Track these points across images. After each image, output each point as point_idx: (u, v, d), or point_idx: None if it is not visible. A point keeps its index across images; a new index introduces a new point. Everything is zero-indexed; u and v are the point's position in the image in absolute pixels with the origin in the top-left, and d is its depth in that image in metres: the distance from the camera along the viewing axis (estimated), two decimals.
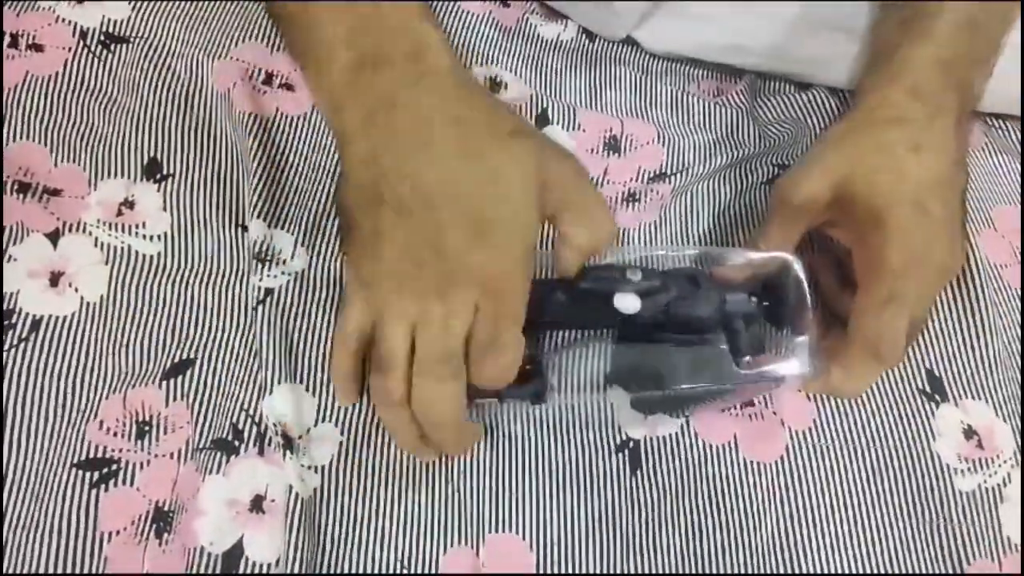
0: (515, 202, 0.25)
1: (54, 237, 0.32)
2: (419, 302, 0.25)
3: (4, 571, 0.27)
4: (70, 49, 0.35)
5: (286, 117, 0.37)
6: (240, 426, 0.30)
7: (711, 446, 0.32)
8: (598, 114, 0.41)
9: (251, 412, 0.30)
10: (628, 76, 0.42)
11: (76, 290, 0.31)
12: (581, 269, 0.28)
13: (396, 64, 0.25)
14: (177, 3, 0.37)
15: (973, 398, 0.34)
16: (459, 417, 0.27)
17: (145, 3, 0.37)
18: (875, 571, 0.30)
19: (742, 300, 0.30)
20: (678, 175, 0.39)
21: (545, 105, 0.40)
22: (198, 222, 0.33)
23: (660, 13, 0.41)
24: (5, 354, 0.29)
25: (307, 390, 0.31)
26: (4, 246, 0.31)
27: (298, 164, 0.36)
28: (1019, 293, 0.37)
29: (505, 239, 0.25)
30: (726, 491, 0.31)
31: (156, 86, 0.36)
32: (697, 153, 0.41)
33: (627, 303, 0.28)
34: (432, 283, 0.25)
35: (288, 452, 0.29)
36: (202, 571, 0.27)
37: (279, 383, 0.30)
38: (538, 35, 0.43)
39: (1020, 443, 0.33)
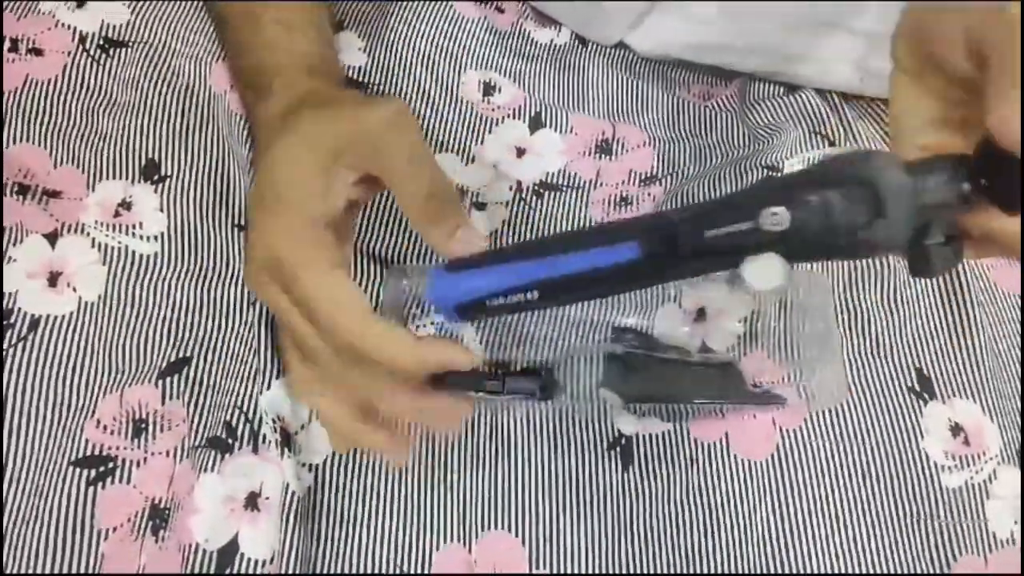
0: (287, 180, 0.26)
1: (52, 238, 0.32)
2: (261, 295, 0.27)
3: (3, 565, 0.27)
4: (69, 53, 0.36)
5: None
6: (234, 424, 0.30)
7: (702, 444, 0.33)
8: (590, 117, 0.41)
9: (245, 410, 0.30)
10: (620, 80, 0.43)
11: (74, 290, 0.31)
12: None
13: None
14: (175, 8, 0.38)
15: (961, 396, 0.34)
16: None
17: (144, 8, 0.38)
18: (865, 567, 0.31)
19: (947, 192, 0.19)
20: (669, 177, 0.40)
21: (538, 109, 0.41)
22: (195, 222, 0.34)
23: (652, 16, 0.42)
24: (4, 352, 0.30)
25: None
26: (3, 247, 0.31)
27: None
28: (1006, 293, 0.38)
29: (284, 218, 0.26)
30: (717, 489, 0.32)
31: (154, 89, 0.36)
32: (688, 155, 0.41)
33: (765, 275, 0.20)
34: (251, 276, 0.27)
35: (286, 449, 0.29)
36: (198, 568, 0.27)
37: (276, 379, 0.31)
38: (532, 40, 0.43)
39: (1020, 443, 0.33)
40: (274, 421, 0.30)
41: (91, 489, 0.28)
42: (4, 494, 0.28)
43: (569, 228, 0.38)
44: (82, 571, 0.27)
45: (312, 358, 0.26)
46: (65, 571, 0.27)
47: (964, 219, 0.20)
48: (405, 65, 0.40)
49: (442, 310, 0.25)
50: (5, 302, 0.31)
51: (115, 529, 0.28)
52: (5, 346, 0.30)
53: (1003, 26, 0.22)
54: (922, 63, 0.24)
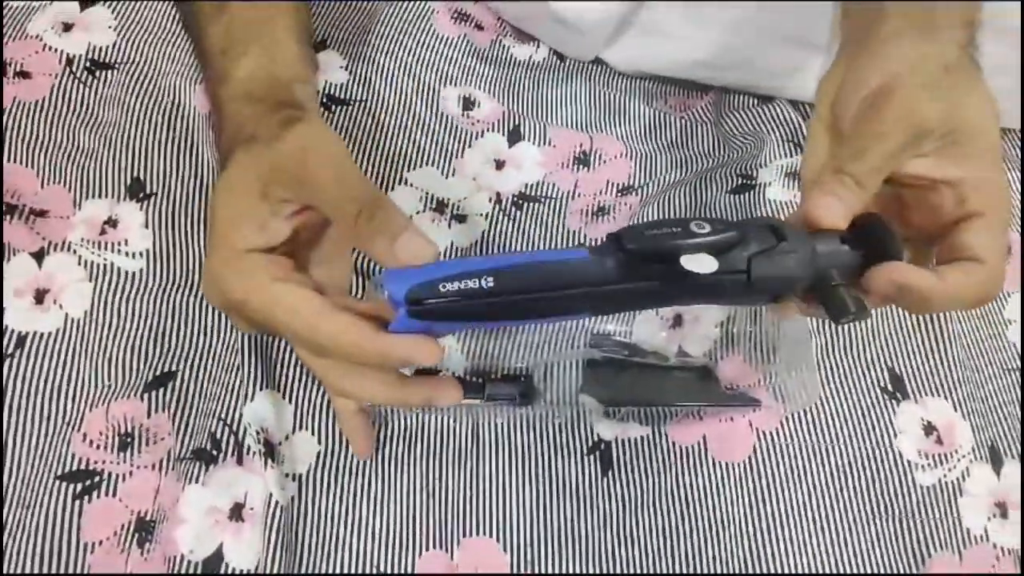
0: (223, 217, 0.26)
1: (39, 256, 0.33)
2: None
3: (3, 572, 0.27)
4: (56, 75, 0.37)
5: None
6: (218, 435, 0.30)
7: (681, 447, 0.33)
8: (568, 130, 0.42)
9: (229, 421, 0.31)
10: (597, 94, 0.44)
11: (60, 307, 0.32)
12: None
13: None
14: (161, 30, 0.39)
15: (933, 395, 0.35)
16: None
17: (130, 30, 0.38)
18: (841, 566, 0.31)
19: (836, 248, 0.25)
20: (646, 187, 0.41)
21: (517, 122, 0.42)
22: (179, 238, 0.35)
23: (626, 34, 0.43)
24: None
25: (284, 398, 0.32)
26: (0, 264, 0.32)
27: None
28: None
29: (215, 241, 0.26)
30: (695, 492, 0.32)
31: (139, 109, 0.37)
32: (664, 165, 0.42)
33: (699, 263, 0.22)
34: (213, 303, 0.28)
35: (270, 460, 0.30)
36: None
37: (260, 389, 0.31)
38: (511, 56, 0.44)
39: (1020, 443, 0.34)
40: (258, 432, 0.30)
41: (77, 503, 0.29)
42: None
43: (548, 238, 0.39)
44: None
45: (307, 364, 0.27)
46: None
47: (869, 281, 0.25)
48: (386, 82, 0.41)
49: (396, 307, 0.23)
50: None
51: (101, 542, 0.29)
52: None
53: (872, 107, 0.25)
54: (833, 121, 0.28)
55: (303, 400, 0.32)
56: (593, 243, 0.39)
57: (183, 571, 0.28)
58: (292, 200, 0.26)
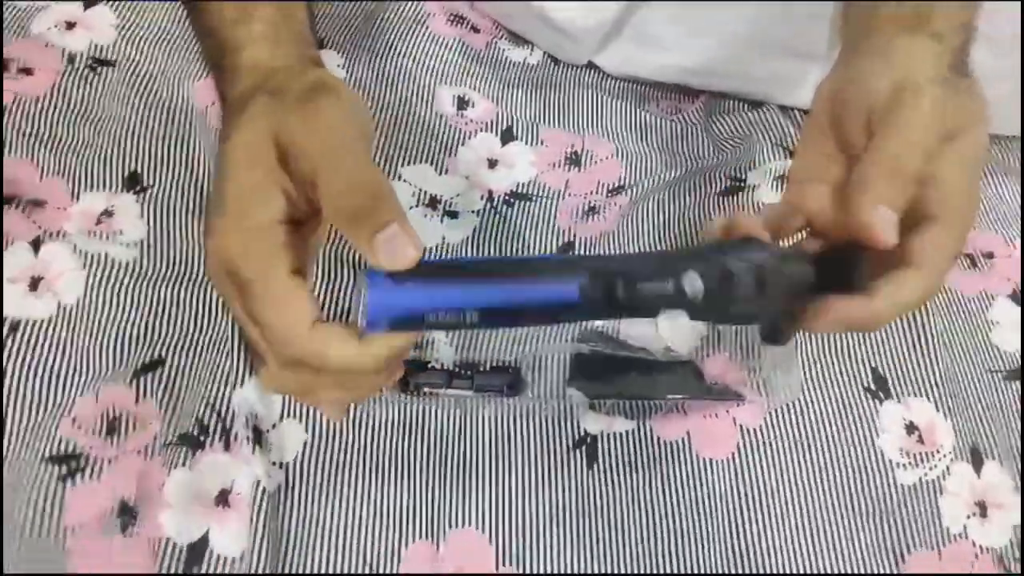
0: (231, 179, 0.24)
1: (36, 245, 0.33)
2: (222, 296, 0.27)
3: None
4: (58, 72, 0.38)
5: None
6: (206, 421, 0.31)
7: (665, 442, 0.34)
8: (560, 131, 0.43)
9: (217, 408, 0.31)
10: (589, 96, 0.45)
11: (54, 294, 0.33)
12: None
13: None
14: (160, 28, 0.40)
15: (915, 395, 0.35)
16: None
17: (130, 28, 0.39)
18: (821, 562, 0.31)
19: (803, 276, 0.25)
20: (636, 187, 0.42)
21: (510, 123, 0.42)
22: (173, 229, 0.35)
23: (618, 40, 0.44)
24: None
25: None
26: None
27: None
28: (962, 296, 0.39)
29: (228, 209, 0.24)
30: (679, 486, 0.32)
31: (139, 105, 0.38)
32: (654, 166, 0.43)
33: (674, 329, 0.26)
34: (211, 279, 0.26)
35: (257, 446, 0.30)
36: (167, 562, 0.28)
37: (249, 376, 0.32)
38: (506, 58, 0.45)
39: (1021, 450, 0.34)
40: (246, 419, 0.31)
41: (61, 485, 0.29)
42: None
43: (538, 236, 0.39)
44: (47, 568, 0.28)
45: (265, 360, 0.25)
46: (30, 567, 0.28)
47: (812, 321, 0.26)
48: (382, 80, 0.42)
49: (374, 322, 0.23)
50: None
51: (82, 526, 0.29)
52: None
53: (897, 113, 0.25)
54: (833, 125, 0.28)
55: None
56: (583, 251, 0.39)
57: (168, 554, 0.28)
58: (295, 168, 0.24)
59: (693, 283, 0.24)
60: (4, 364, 0.31)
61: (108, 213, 0.35)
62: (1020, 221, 0.42)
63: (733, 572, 0.31)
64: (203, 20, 0.30)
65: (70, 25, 0.39)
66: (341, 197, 0.23)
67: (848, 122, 0.27)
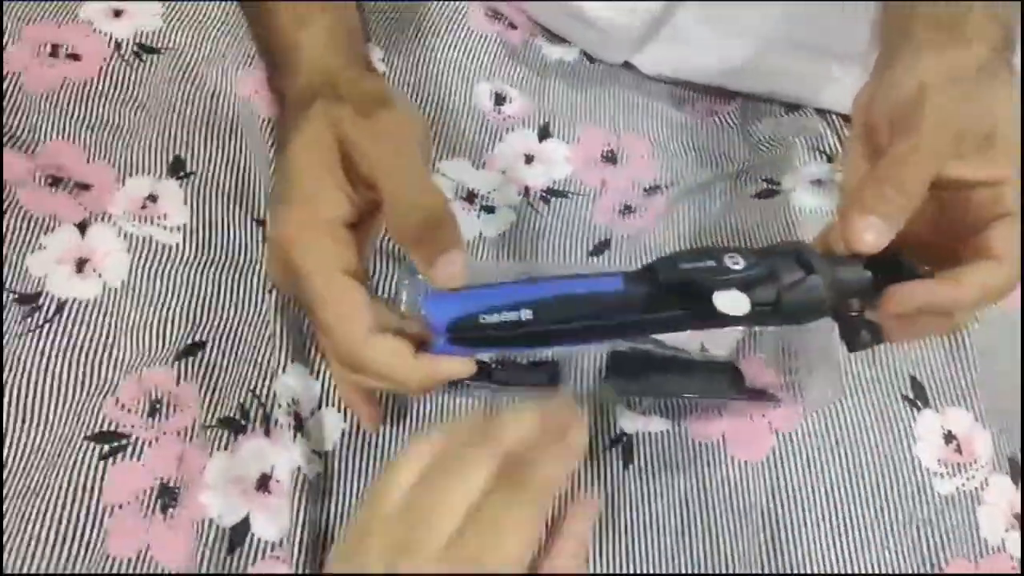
0: (297, 175, 0.26)
1: (82, 227, 0.34)
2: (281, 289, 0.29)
3: (3, 537, 0.28)
4: (105, 58, 0.38)
5: None
6: (247, 406, 0.31)
7: (701, 444, 0.33)
8: (596, 128, 0.43)
9: (259, 393, 0.31)
10: (625, 95, 0.45)
11: (99, 276, 0.33)
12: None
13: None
14: (205, 16, 0.40)
15: (954, 404, 0.35)
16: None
17: (175, 16, 0.40)
18: (855, 570, 0.31)
19: (859, 275, 0.25)
20: (672, 187, 0.41)
21: (547, 119, 0.42)
22: (217, 215, 0.35)
23: (655, 40, 0.44)
24: (32, 333, 0.31)
25: (311, 373, 0.32)
26: (33, 234, 0.33)
27: None
28: (999, 306, 0.39)
29: (295, 217, 0.26)
30: (713, 489, 0.32)
31: (184, 92, 0.38)
32: (690, 167, 0.43)
33: (732, 303, 0.23)
34: (270, 272, 0.28)
35: (299, 433, 0.30)
36: (210, 544, 0.28)
37: (291, 362, 0.32)
38: (543, 56, 0.45)
39: (1022, 451, 0.34)
40: (288, 405, 0.31)
41: (102, 464, 0.29)
42: (16, 464, 0.29)
43: (574, 233, 0.39)
44: (85, 546, 0.28)
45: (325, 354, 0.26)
46: (68, 545, 0.28)
47: (888, 304, 0.25)
48: (421, 74, 0.42)
49: (435, 334, 0.25)
50: (34, 286, 0.32)
51: (121, 506, 0.29)
52: (32, 327, 0.31)
53: (907, 113, 0.25)
54: (869, 132, 0.28)
55: (330, 377, 0.32)
56: (621, 261, 0.39)
57: (211, 535, 0.28)
58: (362, 172, 0.25)
59: (735, 260, 0.24)
60: (43, 344, 0.31)
61: (152, 198, 0.35)
62: (1020, 221, 0.41)
63: (766, 574, 0.31)
64: (262, 18, 0.32)
65: (117, 13, 0.39)
66: (408, 215, 0.25)
67: (878, 131, 0.27)
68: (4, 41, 0.37)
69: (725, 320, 0.24)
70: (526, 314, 0.24)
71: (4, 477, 0.29)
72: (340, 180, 0.26)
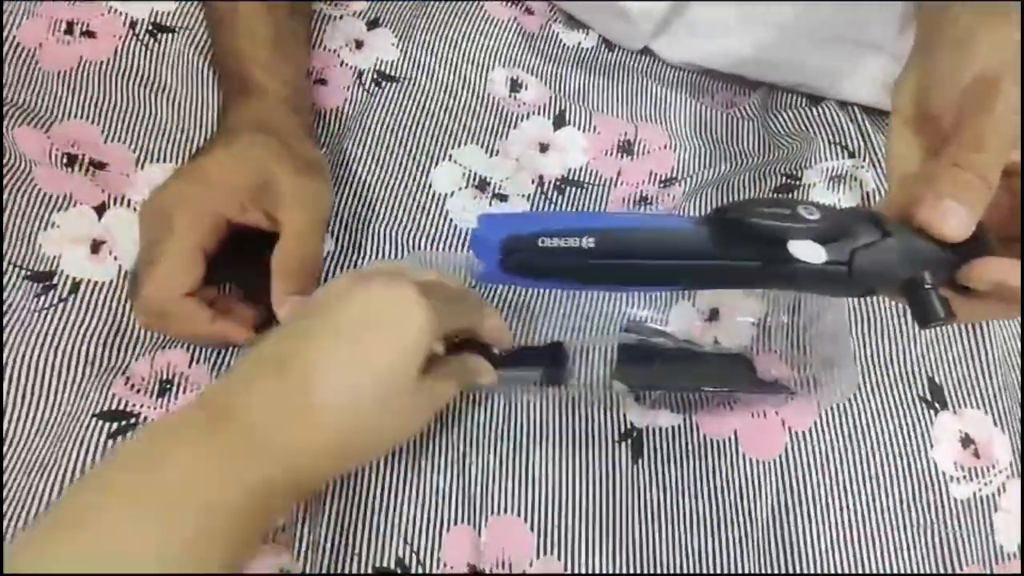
0: (217, 176, 0.31)
1: (100, 210, 0.34)
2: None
3: (3, 514, 0.28)
4: (120, 37, 0.38)
5: (318, 110, 0.39)
6: None
7: (712, 440, 0.33)
8: (613, 118, 0.42)
9: None
10: (644, 84, 0.44)
11: (115, 259, 0.33)
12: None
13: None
14: None
15: (972, 407, 0.34)
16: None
17: None
18: (868, 572, 0.31)
19: (934, 249, 0.23)
20: (688, 179, 0.41)
21: (563, 107, 0.42)
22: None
23: (676, 25, 0.43)
24: (46, 311, 0.31)
25: None
26: (46, 212, 0.33)
27: (329, 153, 0.38)
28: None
29: (183, 184, 0.31)
30: (724, 486, 0.32)
31: (201, 74, 0.38)
32: (708, 160, 0.42)
33: (807, 251, 0.21)
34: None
35: None
36: None
37: None
38: (560, 42, 0.45)
39: (1021, 452, 0.33)
40: None
41: (110, 442, 0.29)
42: (24, 440, 0.29)
43: None
44: None
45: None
46: None
47: (969, 275, 0.23)
48: (436, 60, 0.41)
49: (485, 262, 0.22)
50: (49, 264, 0.32)
51: None
52: (46, 305, 0.31)
53: (978, 98, 0.24)
54: (921, 117, 0.27)
55: None
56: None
57: None
58: (262, 207, 0.31)
59: (810, 211, 0.22)
60: (57, 323, 0.31)
61: None
62: (1020, 221, 0.40)
63: (775, 574, 0.30)
64: (229, 41, 0.35)
65: None
66: (294, 255, 0.31)
67: (935, 117, 0.26)
68: (20, 20, 0.37)
69: (795, 274, 0.22)
70: (588, 242, 0.21)
71: (9, 452, 0.29)
72: (238, 199, 0.31)
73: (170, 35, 0.39)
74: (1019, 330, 0.37)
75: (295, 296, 0.30)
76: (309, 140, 0.34)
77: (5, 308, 0.31)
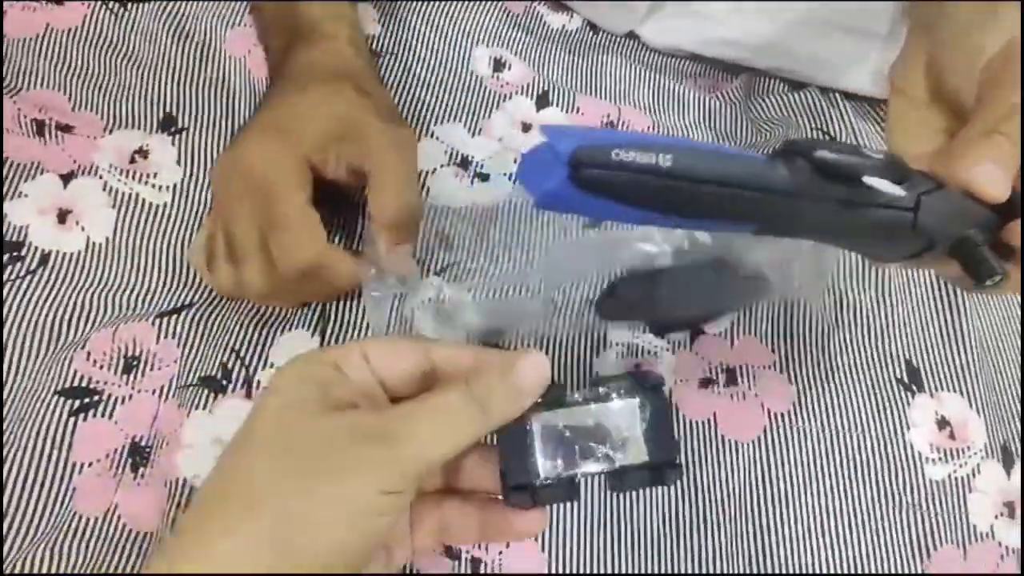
0: (300, 128, 0.30)
1: (66, 179, 0.33)
2: (226, 204, 0.31)
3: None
4: (88, 4, 0.37)
5: None
6: (229, 366, 0.30)
7: (690, 421, 0.33)
8: (596, 100, 0.42)
9: (242, 355, 0.31)
10: (628, 67, 0.44)
11: (83, 229, 0.32)
12: None
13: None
14: None
15: (948, 390, 0.34)
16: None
17: None
18: (844, 553, 0.30)
19: (982, 207, 0.23)
20: None
21: (546, 88, 0.41)
22: (207, 176, 0.34)
23: (664, 10, 0.43)
24: (13, 284, 0.30)
25: (312, 336, 0.32)
26: (14, 182, 0.32)
27: None
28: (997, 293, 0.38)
29: (271, 140, 0.30)
30: (702, 468, 0.32)
31: (171, 45, 0.37)
32: None
33: (884, 185, 0.21)
34: (220, 182, 0.32)
35: None
36: (183, 504, 0.28)
37: (290, 330, 0.31)
38: (544, 24, 0.44)
39: (1010, 438, 0.33)
40: (273, 367, 0.30)
41: (72, 420, 0.29)
42: None
43: None
44: (51, 503, 0.27)
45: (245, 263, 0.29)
46: (34, 502, 0.27)
47: (1013, 235, 0.23)
48: (418, 37, 0.41)
49: (550, 175, 0.19)
50: (16, 235, 0.31)
51: (91, 464, 0.28)
52: (13, 276, 0.30)
53: (1007, 66, 0.24)
54: (932, 95, 0.26)
55: (332, 340, 0.32)
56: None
57: (184, 495, 0.28)
58: (353, 157, 0.30)
59: (872, 149, 0.21)
60: (25, 294, 0.30)
61: (143, 154, 0.34)
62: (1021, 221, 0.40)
63: (753, 555, 0.30)
64: None
65: None
66: (395, 202, 0.29)
67: (952, 94, 0.26)
68: None
69: (864, 220, 0.21)
70: (666, 159, 0.19)
71: None
72: (330, 141, 0.30)
73: (140, 5, 0.38)
74: (995, 313, 0.37)
75: (403, 246, 0.29)
76: (382, 85, 0.34)
77: None
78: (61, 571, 0.26)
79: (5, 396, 0.29)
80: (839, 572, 0.30)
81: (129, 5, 0.37)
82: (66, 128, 0.34)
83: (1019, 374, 0.36)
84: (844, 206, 0.21)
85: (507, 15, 0.43)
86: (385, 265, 0.29)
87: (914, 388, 0.34)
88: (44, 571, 0.26)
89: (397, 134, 0.30)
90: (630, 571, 0.29)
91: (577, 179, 0.19)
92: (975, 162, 0.23)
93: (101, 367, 0.30)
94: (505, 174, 0.38)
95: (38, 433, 0.28)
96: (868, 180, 0.21)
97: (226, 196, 0.30)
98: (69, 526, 0.27)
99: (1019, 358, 0.37)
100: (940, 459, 0.33)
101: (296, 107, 0.30)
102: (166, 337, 0.31)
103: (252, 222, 0.29)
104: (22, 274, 0.30)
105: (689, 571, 0.29)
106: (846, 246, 0.23)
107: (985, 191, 0.23)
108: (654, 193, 0.19)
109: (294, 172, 0.29)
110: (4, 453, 0.28)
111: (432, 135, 0.38)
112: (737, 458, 0.32)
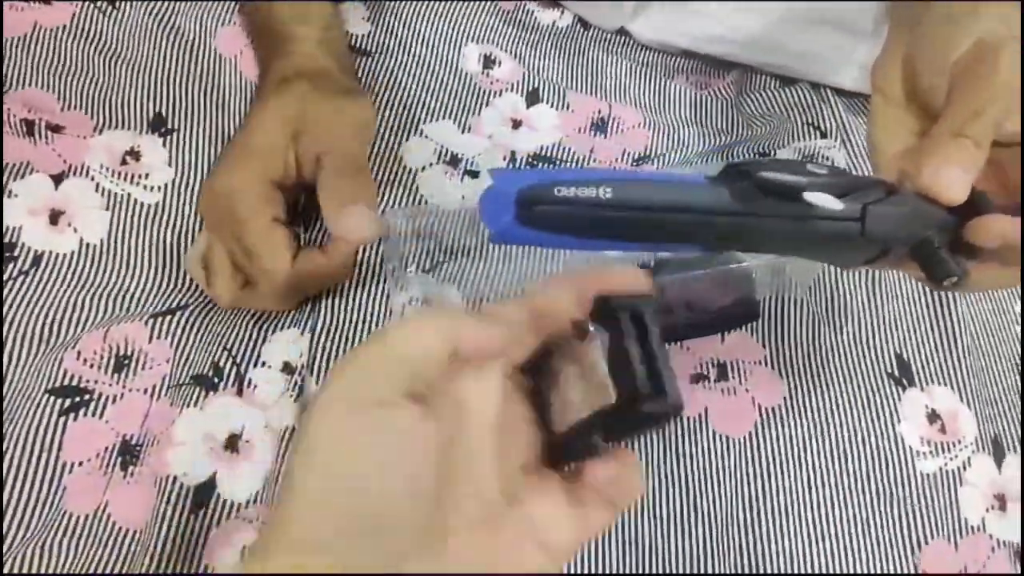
0: (259, 135, 0.31)
1: (58, 179, 0.33)
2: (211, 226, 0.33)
3: None
4: (77, 3, 0.37)
5: None
6: (221, 364, 0.30)
7: (682, 417, 0.33)
8: (587, 96, 0.42)
9: (234, 353, 0.31)
10: (619, 64, 0.44)
11: (75, 230, 0.32)
12: None
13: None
14: None
15: (939, 383, 0.34)
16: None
17: None
18: (836, 547, 0.31)
19: (939, 210, 0.24)
20: (661, 158, 0.41)
21: (536, 84, 0.41)
22: (200, 175, 0.35)
23: (654, 7, 0.43)
24: (6, 284, 0.30)
25: (302, 334, 0.32)
26: (5, 182, 0.32)
27: None
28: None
29: (241, 168, 0.31)
30: (693, 462, 0.32)
31: (161, 44, 0.37)
32: (682, 138, 0.42)
33: (823, 200, 0.22)
34: (204, 208, 0.33)
35: (271, 394, 0.30)
36: (173, 501, 0.28)
37: (281, 329, 0.31)
38: (535, 20, 0.44)
39: (1020, 435, 0.33)
40: (265, 366, 0.30)
41: (63, 419, 0.29)
42: None
43: None
44: (42, 502, 0.27)
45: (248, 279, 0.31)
46: (24, 501, 0.27)
47: (976, 230, 0.24)
48: (409, 34, 0.41)
49: (500, 215, 0.20)
50: (9, 236, 0.31)
51: (81, 463, 0.28)
52: (6, 277, 0.30)
53: (976, 67, 0.24)
54: (908, 94, 0.26)
55: (324, 336, 0.32)
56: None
57: (174, 492, 0.28)
58: (311, 150, 0.31)
59: (818, 167, 0.22)
60: (17, 295, 0.30)
61: (135, 154, 0.34)
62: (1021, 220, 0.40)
63: (745, 549, 0.30)
64: (261, 5, 0.36)
65: None
66: (338, 179, 0.31)
67: (924, 93, 0.26)
68: None
69: (809, 232, 0.22)
70: (606, 191, 0.20)
71: None
72: (286, 151, 0.31)
73: (129, 3, 0.37)
74: (985, 307, 0.37)
75: (354, 206, 0.30)
76: (345, 75, 0.35)
77: None
78: (52, 569, 0.26)
79: (3, 396, 0.29)
80: (830, 567, 0.30)
81: (118, 3, 0.37)
82: (56, 128, 0.34)
83: (1010, 367, 0.36)
84: (790, 222, 0.22)
85: (497, 12, 0.43)
86: (340, 231, 0.30)
87: (905, 382, 0.34)
88: (35, 569, 0.26)
89: (344, 111, 0.32)
90: (622, 571, 0.29)
91: (524, 217, 0.20)
92: (938, 166, 0.23)
93: (92, 366, 0.30)
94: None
95: (29, 432, 0.28)
96: (808, 196, 0.21)
97: (209, 223, 0.31)
98: (60, 524, 0.27)
99: (1009, 351, 0.37)
100: (931, 453, 0.33)
101: (259, 126, 0.31)
102: (159, 337, 0.31)
103: (234, 246, 0.30)
104: (15, 275, 0.30)
105: (680, 571, 0.29)
106: (802, 257, 0.24)
107: (943, 195, 0.23)
108: (598, 224, 0.21)
109: (259, 198, 0.30)
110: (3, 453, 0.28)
111: (422, 133, 0.38)
112: (728, 453, 0.32)
